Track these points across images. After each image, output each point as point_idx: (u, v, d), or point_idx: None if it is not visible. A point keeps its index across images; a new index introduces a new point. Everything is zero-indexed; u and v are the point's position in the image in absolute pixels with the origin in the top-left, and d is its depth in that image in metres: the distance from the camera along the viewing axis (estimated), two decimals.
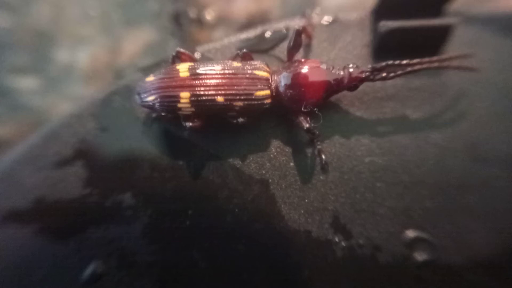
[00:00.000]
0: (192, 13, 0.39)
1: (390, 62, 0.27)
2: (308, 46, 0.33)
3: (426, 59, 0.27)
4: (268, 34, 0.34)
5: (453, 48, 0.29)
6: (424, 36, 0.29)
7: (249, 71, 0.29)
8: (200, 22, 0.40)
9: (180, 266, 0.27)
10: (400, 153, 0.29)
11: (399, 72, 0.27)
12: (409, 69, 0.27)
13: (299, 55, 0.33)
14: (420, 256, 0.27)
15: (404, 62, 0.27)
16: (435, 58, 0.27)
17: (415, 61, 0.27)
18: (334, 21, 0.34)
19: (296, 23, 0.33)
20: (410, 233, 0.28)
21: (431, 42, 0.29)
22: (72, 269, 0.27)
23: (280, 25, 0.35)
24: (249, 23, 0.40)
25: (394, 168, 0.29)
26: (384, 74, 0.27)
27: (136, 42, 0.38)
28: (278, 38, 0.34)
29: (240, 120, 0.29)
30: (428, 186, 0.28)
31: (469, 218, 0.26)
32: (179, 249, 0.28)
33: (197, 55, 0.33)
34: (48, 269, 0.27)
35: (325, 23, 0.34)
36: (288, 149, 0.31)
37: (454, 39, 0.29)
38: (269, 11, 0.40)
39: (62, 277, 0.27)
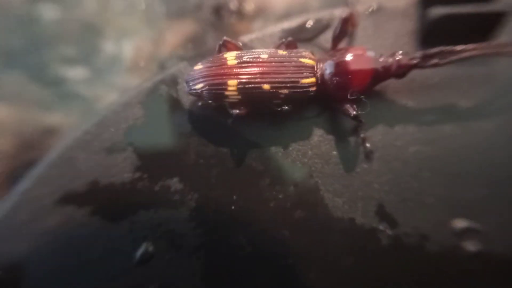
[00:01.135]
0: (233, 5, 0.40)
1: (441, 48, 0.27)
2: (352, 35, 0.33)
3: (478, 45, 0.26)
4: (310, 23, 0.34)
5: (505, 36, 0.29)
6: (475, 23, 0.28)
7: (294, 59, 0.29)
8: (240, 13, 0.40)
9: (226, 249, 0.28)
10: (447, 142, 0.29)
11: (450, 59, 0.27)
12: (460, 56, 0.26)
13: (343, 44, 0.34)
14: (471, 246, 0.26)
15: (456, 48, 0.27)
16: (487, 44, 0.26)
17: (466, 47, 0.26)
18: (379, 9, 0.33)
19: (340, 11, 0.33)
20: (459, 223, 0.27)
21: (482, 29, 0.28)
22: (125, 249, 0.28)
23: (322, 14, 0.35)
24: (288, 14, 0.40)
25: (441, 157, 0.28)
26: (436, 61, 0.27)
27: (178, 34, 0.39)
28: (320, 28, 0.34)
29: (285, 107, 0.29)
30: (477, 176, 0.27)
31: None
32: (225, 233, 0.29)
33: (241, 44, 0.34)
34: (103, 249, 0.28)
35: (370, 11, 0.34)
36: (331, 137, 0.31)
37: (507, 27, 0.29)
38: (307, 2, 0.40)
39: (116, 257, 0.28)
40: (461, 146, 0.28)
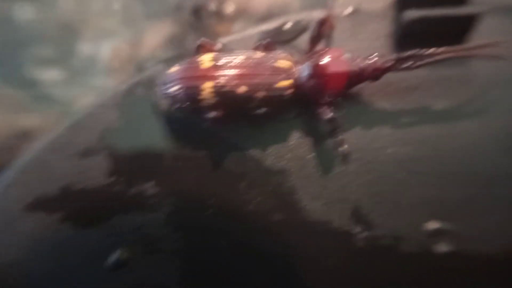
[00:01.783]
0: (212, 6, 0.40)
1: (416, 51, 0.27)
2: (330, 37, 0.33)
3: (452, 48, 0.26)
4: (288, 25, 0.34)
5: (479, 37, 0.29)
6: (449, 25, 0.28)
7: (271, 61, 0.29)
8: (220, 15, 0.40)
9: (203, 253, 0.28)
10: (424, 143, 0.29)
11: (425, 61, 0.27)
12: (435, 58, 0.27)
13: (321, 46, 0.34)
14: (444, 247, 0.27)
15: (430, 51, 0.27)
16: (461, 46, 0.26)
17: (441, 49, 0.26)
18: (356, 12, 0.33)
19: (318, 14, 0.33)
20: (434, 224, 0.27)
21: (456, 31, 0.29)
22: (99, 255, 0.27)
23: (301, 17, 0.35)
24: (269, 15, 0.40)
25: (417, 158, 0.29)
26: (409, 64, 0.27)
27: (157, 35, 0.39)
28: (299, 30, 0.34)
29: (262, 110, 0.29)
30: (454, 176, 0.27)
31: (497, 210, 0.26)
32: (202, 237, 0.29)
33: (219, 46, 0.34)
34: (77, 255, 0.27)
35: (347, 13, 0.34)
36: (309, 140, 0.31)
37: (480, 28, 0.29)
38: (288, 3, 0.40)
39: (90, 263, 0.27)
40: (437, 147, 0.28)
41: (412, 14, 0.28)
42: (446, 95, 0.29)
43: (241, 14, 0.40)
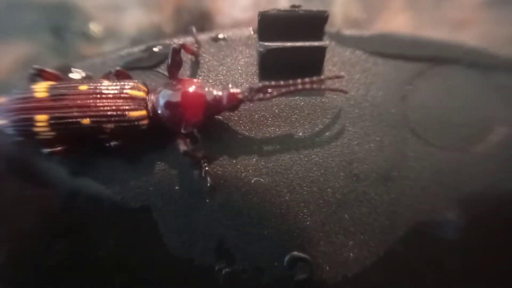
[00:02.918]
0: (75, 26, 0.36)
1: (266, 83, 0.27)
2: (197, 64, 0.32)
3: (300, 81, 0.27)
4: (155, 49, 0.33)
5: (330, 67, 0.31)
6: (302, 56, 0.29)
7: (122, 90, 0.27)
8: (86, 36, 0.37)
9: None
10: (283, 172, 0.29)
11: (274, 93, 0.27)
12: (284, 90, 0.27)
13: (186, 73, 0.33)
14: (299, 275, 0.27)
15: (281, 83, 0.27)
16: (307, 79, 0.27)
17: (289, 82, 0.27)
18: (224, 39, 0.33)
19: (184, 40, 0.32)
20: (292, 254, 0.28)
21: (309, 62, 0.30)
22: None
23: (169, 41, 0.34)
24: (142, 38, 0.38)
25: (278, 188, 0.28)
26: (261, 95, 0.27)
27: (10, 57, 0.34)
28: (165, 54, 0.33)
29: (114, 143, 0.27)
30: (308, 204, 0.28)
31: (343, 235, 0.27)
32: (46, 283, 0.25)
33: (73, 72, 0.30)
34: None
35: (215, 40, 0.33)
36: (174, 172, 0.29)
37: (330, 60, 0.31)
38: (161, 26, 0.39)
39: None
40: (295, 176, 0.29)
41: (266, 45, 0.29)
42: (302, 125, 0.30)
43: (111, 35, 0.38)
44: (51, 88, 0.26)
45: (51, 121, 0.25)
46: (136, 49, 0.33)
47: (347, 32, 0.31)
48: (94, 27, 0.37)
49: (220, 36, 0.33)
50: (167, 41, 0.34)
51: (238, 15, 0.39)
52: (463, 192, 0.28)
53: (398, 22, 0.38)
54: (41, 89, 0.25)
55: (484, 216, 0.28)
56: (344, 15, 0.39)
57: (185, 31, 0.34)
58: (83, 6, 0.38)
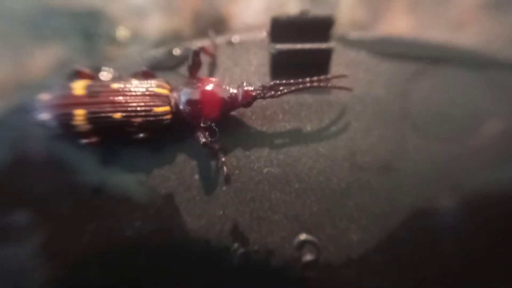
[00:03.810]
0: (103, 30, 0.40)
1: (277, 81, 0.30)
2: (213, 65, 0.35)
3: (308, 79, 0.30)
4: (176, 51, 0.36)
5: (336, 67, 0.33)
6: (310, 57, 0.32)
7: (148, 88, 0.30)
8: (112, 39, 0.40)
9: (75, 282, 0.28)
10: (293, 164, 0.32)
11: (285, 91, 0.30)
12: (293, 88, 0.30)
13: (204, 73, 0.36)
14: (307, 256, 0.29)
15: (291, 81, 0.30)
16: (315, 78, 0.30)
17: (299, 80, 0.30)
18: (239, 41, 0.36)
19: (202, 43, 0.35)
20: (301, 237, 0.30)
21: (317, 62, 0.32)
22: None
23: (189, 44, 0.37)
24: (163, 41, 0.41)
25: (287, 177, 0.31)
26: (272, 93, 0.30)
27: (45, 59, 0.38)
28: (185, 56, 0.36)
29: (141, 135, 0.30)
30: (315, 192, 0.31)
31: (347, 220, 0.29)
32: (74, 266, 0.28)
33: (103, 73, 0.34)
34: None
35: (231, 42, 0.36)
36: (193, 162, 0.32)
37: (336, 60, 0.33)
38: (181, 30, 0.42)
39: None
40: (303, 167, 0.31)
41: (277, 47, 0.32)
42: (310, 120, 0.32)
43: (135, 39, 0.41)
44: (88, 86, 0.29)
45: (88, 116, 0.28)
46: (157, 52, 0.37)
47: (352, 34, 0.34)
48: (121, 32, 0.41)
49: (235, 39, 0.36)
50: (186, 44, 0.37)
51: (251, 20, 0.42)
52: (460, 181, 0.31)
53: (400, 24, 0.40)
54: (79, 87, 0.29)
55: (479, 203, 0.30)
56: (350, 18, 0.42)
57: (203, 35, 0.38)
58: (110, 12, 0.42)
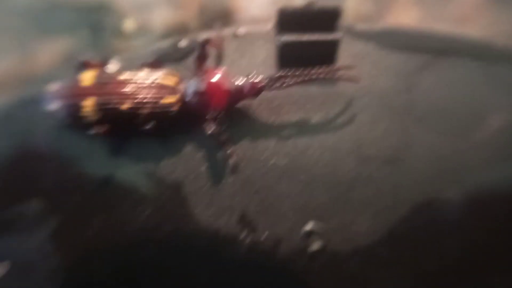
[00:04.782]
0: (110, 23, 0.40)
1: (283, 73, 0.30)
2: (220, 57, 0.35)
3: (314, 70, 0.30)
4: (182, 44, 0.36)
5: (342, 59, 0.33)
6: (317, 49, 0.32)
7: (155, 79, 0.30)
8: (119, 32, 0.41)
9: (85, 272, 0.28)
10: (299, 155, 0.32)
11: (291, 82, 0.30)
12: (299, 79, 0.30)
13: (211, 65, 0.36)
14: (314, 246, 0.30)
15: (297, 73, 0.30)
16: (321, 69, 0.30)
17: (304, 72, 0.30)
18: (245, 34, 0.36)
19: (209, 35, 0.35)
20: (308, 226, 0.30)
21: (323, 54, 0.32)
22: None
23: (195, 36, 0.37)
24: (169, 33, 0.42)
25: (294, 168, 0.31)
26: (278, 84, 0.30)
27: (52, 52, 0.38)
28: (191, 48, 0.36)
29: (148, 126, 0.30)
30: (322, 183, 0.31)
31: (353, 212, 0.30)
32: (84, 256, 0.29)
33: (110, 64, 0.34)
34: None
35: (237, 35, 0.36)
36: (200, 153, 0.32)
37: (343, 52, 0.33)
38: (187, 22, 0.42)
39: None
40: (309, 158, 0.32)
41: (283, 39, 0.32)
42: (317, 112, 0.32)
43: (141, 31, 0.41)
44: (96, 77, 0.29)
45: (96, 106, 0.29)
46: (164, 44, 0.37)
47: (359, 26, 0.34)
48: (127, 25, 0.41)
49: (241, 31, 0.36)
50: (192, 37, 0.37)
51: (257, 12, 0.42)
52: (463, 175, 0.31)
53: (406, 18, 0.40)
54: (88, 77, 0.29)
55: (481, 196, 0.30)
56: (356, 10, 0.42)
57: (208, 27, 0.38)
58: (116, 5, 0.42)
